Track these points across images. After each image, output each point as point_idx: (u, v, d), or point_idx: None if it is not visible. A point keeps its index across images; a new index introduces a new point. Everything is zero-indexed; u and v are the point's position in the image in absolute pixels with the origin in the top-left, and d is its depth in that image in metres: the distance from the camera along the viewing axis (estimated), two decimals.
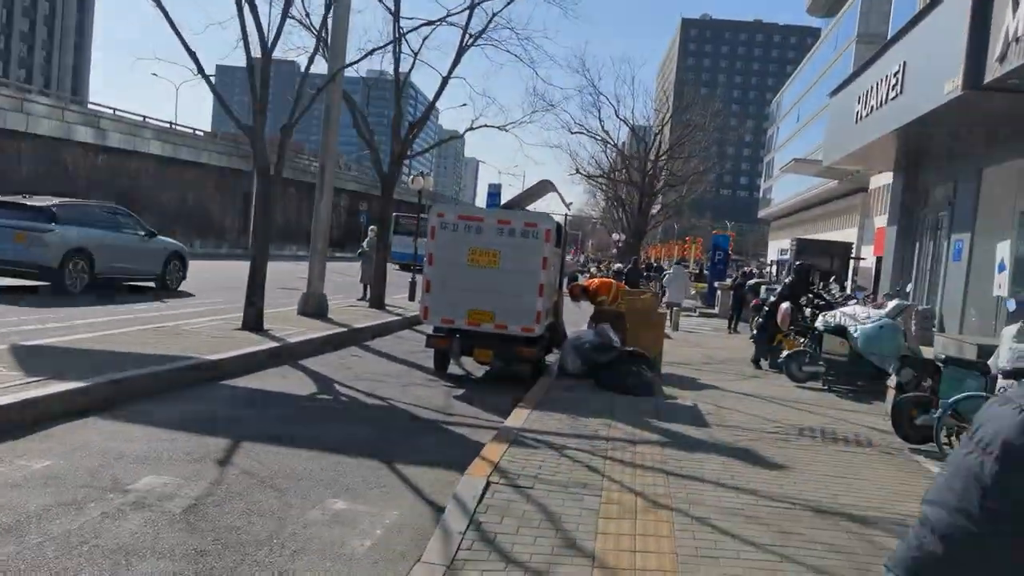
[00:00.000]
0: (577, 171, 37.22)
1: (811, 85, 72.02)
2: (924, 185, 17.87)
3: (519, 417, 7.41)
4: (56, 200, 15.23)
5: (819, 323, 10.78)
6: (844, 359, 10.46)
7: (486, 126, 22.09)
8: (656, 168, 35.79)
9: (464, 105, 20.67)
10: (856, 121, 17.69)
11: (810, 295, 12.09)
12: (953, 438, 6.68)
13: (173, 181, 41.34)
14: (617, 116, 35.89)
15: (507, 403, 8.32)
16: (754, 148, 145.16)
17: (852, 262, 29.88)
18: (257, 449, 6.11)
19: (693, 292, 36.03)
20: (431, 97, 17.65)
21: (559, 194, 10.91)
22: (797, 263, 12.46)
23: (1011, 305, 9.92)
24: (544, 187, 10.41)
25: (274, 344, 10.55)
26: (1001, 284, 13.50)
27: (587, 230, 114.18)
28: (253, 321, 11.40)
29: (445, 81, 16.74)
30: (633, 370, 9.22)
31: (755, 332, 12.29)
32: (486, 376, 10.81)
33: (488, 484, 5.23)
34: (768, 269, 52.24)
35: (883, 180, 47.08)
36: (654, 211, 43.26)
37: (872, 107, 16.49)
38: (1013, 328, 7.27)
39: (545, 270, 9.65)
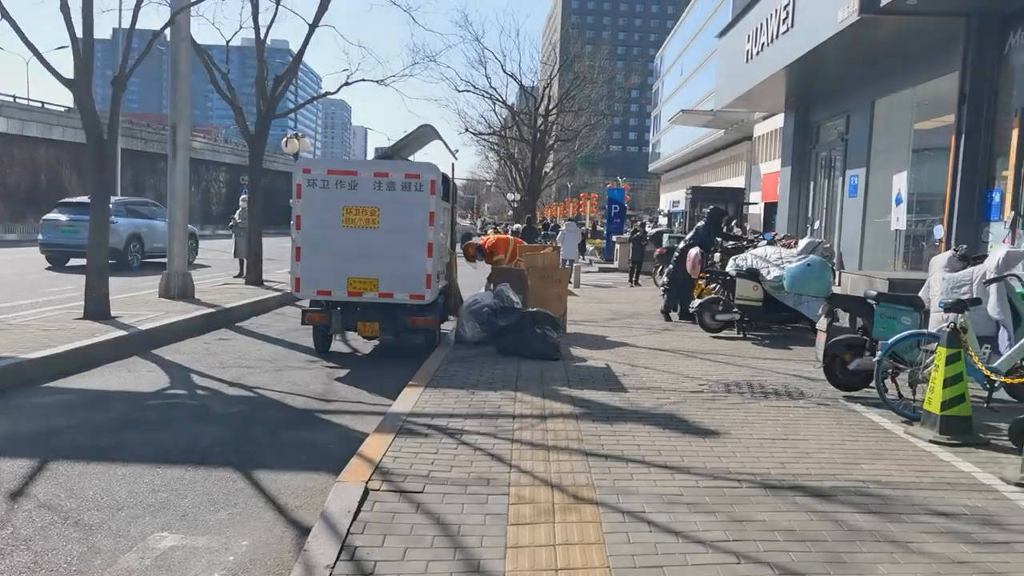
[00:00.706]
0: (467, 130, 35.94)
1: (693, 36, 72.76)
2: (816, 123, 17.62)
3: (409, 399, 6.30)
4: (116, 198, 20.27)
5: (730, 267, 10.11)
6: (758, 304, 9.84)
7: (363, 80, 20.26)
8: (547, 123, 34.89)
9: (346, 71, 18.72)
10: (747, 60, 17.18)
11: (720, 239, 11.44)
12: (889, 381, 6.02)
13: (22, 160, 37.49)
14: (504, 71, 34.86)
15: (398, 382, 7.19)
16: (641, 104, 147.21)
17: (744, 207, 30.00)
18: (69, 471, 4.78)
19: (591, 248, 35.68)
20: (307, 53, 15.95)
21: (443, 141, 9.71)
22: (710, 207, 11.79)
23: (938, 232, 9.51)
24: (425, 133, 9.19)
25: (120, 333, 9.00)
26: (899, 217, 13.28)
27: (482, 193, 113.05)
28: (96, 309, 9.77)
29: (312, 29, 15.11)
30: (537, 332, 8.25)
31: (666, 283, 11.57)
32: (375, 352, 9.63)
33: (367, 492, 4.13)
34: (662, 220, 52.71)
35: (767, 127, 47.98)
36: (547, 169, 42.57)
37: (763, 44, 15.97)
38: (942, 258, 6.67)
39: (432, 227, 8.49)
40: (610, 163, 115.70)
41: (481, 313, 8.75)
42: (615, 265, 28.66)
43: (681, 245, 11.27)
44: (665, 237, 16.63)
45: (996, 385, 5.59)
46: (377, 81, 17.25)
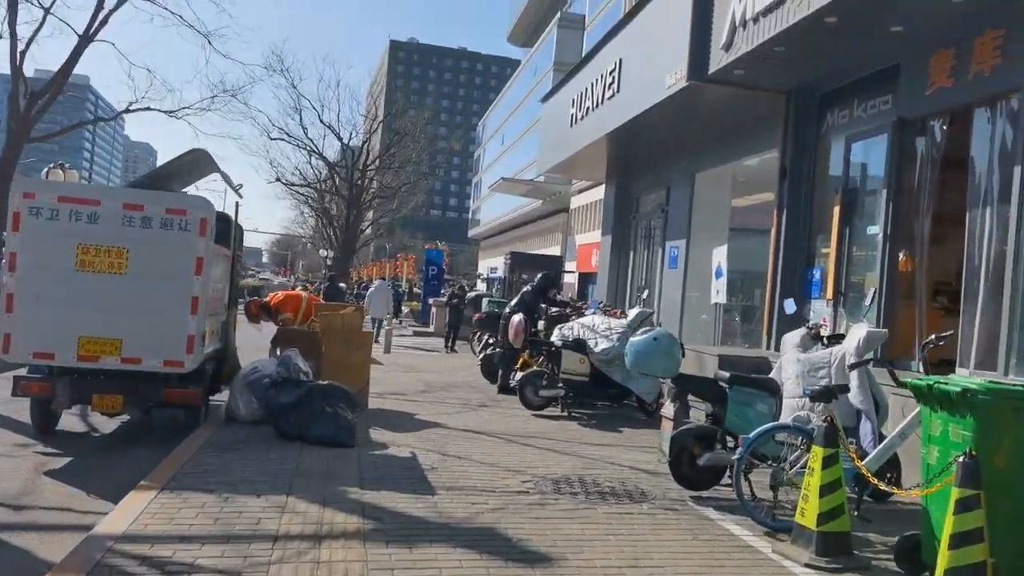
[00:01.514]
0: (278, 179, 33.64)
1: (514, 109, 74.84)
2: (637, 193, 17.54)
3: (129, 510, 4.51)
4: None
5: (556, 337, 9.09)
6: (585, 379, 8.85)
7: (149, 109, 17.35)
8: (364, 179, 33.45)
9: (132, 101, 15.96)
10: (571, 124, 16.86)
11: (545, 305, 10.43)
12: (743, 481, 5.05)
13: None
14: (321, 121, 32.98)
15: (137, 477, 5.34)
16: (462, 170, 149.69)
17: (562, 276, 29.96)
18: None
19: (406, 311, 34.25)
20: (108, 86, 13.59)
21: (223, 174, 7.94)
22: (541, 273, 10.83)
23: (790, 306, 9.02)
24: (199, 160, 7.39)
25: None
26: (719, 290, 13.07)
27: (297, 250, 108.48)
28: None
29: (85, 43, 12.87)
30: (328, 411, 6.66)
31: (498, 351, 10.37)
32: (120, 431, 7.58)
33: None
34: (480, 284, 52.39)
35: (584, 200, 49.50)
36: (365, 227, 41.00)
37: (588, 109, 15.67)
38: (795, 335, 5.94)
39: (200, 276, 6.75)
40: (430, 226, 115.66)
41: (259, 385, 7.03)
42: (431, 329, 27.36)
43: (506, 311, 10.17)
44: (485, 301, 15.61)
45: (868, 488, 4.76)
46: (166, 112, 15.07)
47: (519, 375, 8.80)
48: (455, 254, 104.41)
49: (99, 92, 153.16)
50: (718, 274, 13.03)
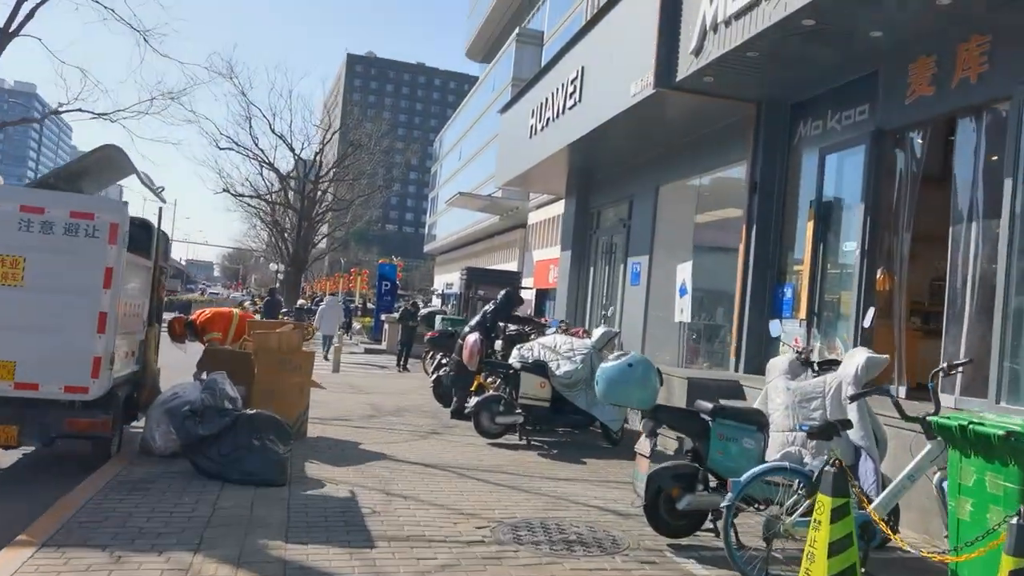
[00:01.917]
0: (225, 190, 32.39)
1: (471, 124, 74.46)
2: (597, 207, 17.00)
3: None
4: None
5: (514, 359, 8.38)
6: (545, 404, 8.16)
7: (80, 111, 15.98)
8: (316, 190, 32.45)
9: (77, 111, 14.76)
10: (531, 135, 16.27)
11: (503, 323, 9.70)
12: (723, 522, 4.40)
13: None
14: (272, 131, 31.91)
15: (27, 521, 4.48)
16: (419, 186, 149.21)
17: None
18: None
19: (359, 327, 33.27)
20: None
21: (140, 174, 7.04)
22: (506, 289, 10.04)
23: (775, 329, 8.46)
24: (112, 157, 6.50)
25: None
26: (683, 309, 12.52)
27: (250, 264, 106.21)
28: None
29: (6, 37, 11.86)
30: (255, 445, 5.85)
31: (449, 373, 9.54)
32: (21, 464, 6.64)
33: None
34: (436, 300, 51.54)
35: (542, 215, 49.10)
36: (318, 240, 39.89)
37: (548, 119, 15.10)
38: (782, 361, 5.33)
39: (109, 289, 5.90)
40: (386, 241, 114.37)
41: (178, 414, 6.18)
42: (383, 346, 26.47)
43: (465, 329, 9.42)
44: (438, 319, 14.79)
45: (876, 540, 4.15)
46: (99, 115, 14.05)
47: (474, 400, 8.05)
48: (411, 269, 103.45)
49: (45, 100, 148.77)
50: (682, 292, 12.49)
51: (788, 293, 9.80)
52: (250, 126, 31.81)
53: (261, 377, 7.00)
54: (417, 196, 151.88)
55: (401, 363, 19.45)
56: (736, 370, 10.18)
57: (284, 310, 30.98)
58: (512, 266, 51.28)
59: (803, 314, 9.20)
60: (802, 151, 9.94)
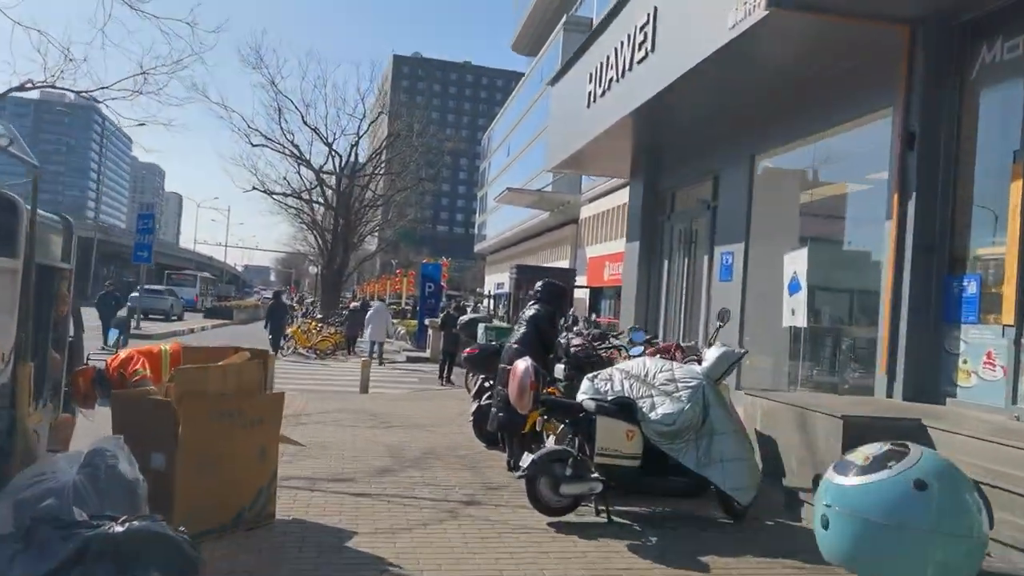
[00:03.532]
0: (254, 188, 30.38)
1: (519, 119, 72.17)
2: (670, 187, 14.16)
3: None
4: None
5: (585, 394, 5.66)
6: (634, 463, 5.43)
7: (53, 87, 12.83)
8: (353, 184, 30.19)
9: (50, 87, 12.19)
10: (588, 104, 13.52)
11: (568, 339, 6.94)
12: None
13: None
14: (305, 123, 29.74)
15: None
16: (468, 185, 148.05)
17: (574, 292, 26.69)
18: None
19: (403, 331, 30.93)
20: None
21: (19, 153, 4.70)
22: (542, 283, 7.20)
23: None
24: None
25: None
26: (796, 310, 9.61)
27: (302, 268, 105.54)
28: None
29: None
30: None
31: (496, 413, 6.61)
32: None
33: None
34: (484, 302, 49.15)
35: (594, 210, 46.30)
36: (359, 239, 37.79)
37: (610, 81, 12.34)
38: None
39: None
40: (436, 242, 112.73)
41: (25, 506, 3.64)
42: (427, 354, 24.02)
43: (508, 346, 6.70)
44: (481, 329, 12.04)
45: None
46: (79, 92, 11.79)
47: (528, 460, 5.34)
48: (462, 270, 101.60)
49: (106, 114, 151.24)
50: (794, 288, 9.59)
51: (971, 288, 6.88)
52: (280, 117, 29.67)
53: (190, 438, 4.42)
54: (467, 196, 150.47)
55: (443, 375, 16.94)
56: (889, 394, 7.31)
57: (318, 316, 28.90)
58: (564, 264, 48.60)
59: (1008, 318, 6.28)
60: (985, 85, 7.03)
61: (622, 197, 39.94)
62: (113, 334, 6.04)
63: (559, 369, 6.58)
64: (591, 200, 46.77)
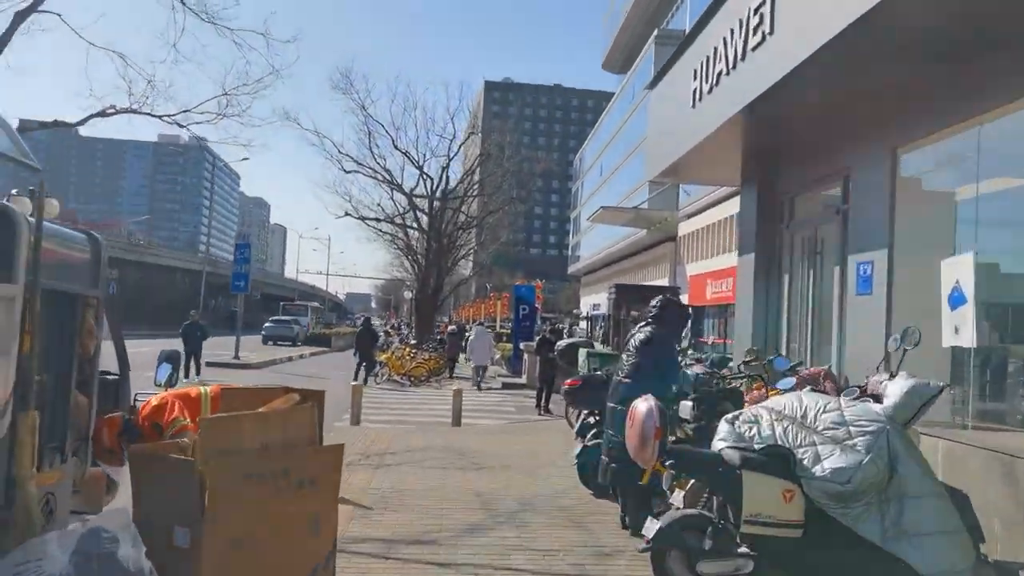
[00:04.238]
0: (346, 214, 30.28)
1: (612, 136, 71.03)
2: (789, 191, 12.63)
3: None
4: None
5: (725, 443, 4.39)
6: (795, 531, 4.12)
7: (137, 112, 12.63)
8: (444, 208, 29.66)
9: (131, 112, 11.81)
10: (693, 103, 12.23)
11: (702, 372, 5.66)
12: None
13: None
14: (396, 147, 29.48)
15: None
16: (561, 207, 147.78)
17: None
18: None
19: (497, 356, 30.01)
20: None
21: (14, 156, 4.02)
22: (659, 300, 5.97)
23: None
24: None
25: None
26: (960, 327, 7.98)
27: (401, 295, 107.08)
28: None
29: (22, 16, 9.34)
30: None
31: (608, 464, 5.32)
32: None
33: None
34: (582, 325, 47.86)
35: (694, 225, 44.42)
36: (452, 263, 37.31)
37: (719, 75, 11.04)
38: None
39: None
40: (530, 265, 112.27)
41: None
42: (523, 380, 22.97)
43: (617, 378, 5.48)
44: (582, 355, 10.72)
45: None
46: (159, 117, 11.44)
47: (654, 527, 4.11)
48: (556, 291, 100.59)
49: (217, 153, 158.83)
50: (956, 301, 7.97)
51: None
52: (370, 141, 29.46)
53: (220, 508, 3.44)
54: (559, 218, 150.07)
55: (541, 404, 15.82)
56: None
57: (412, 342, 28.38)
58: (663, 283, 46.81)
59: None
60: None
61: (724, 211, 38.05)
62: (164, 371, 5.16)
63: (685, 407, 5.32)
64: (690, 216, 44.93)
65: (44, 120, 11.00)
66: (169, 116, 11.74)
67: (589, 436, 7.29)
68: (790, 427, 4.31)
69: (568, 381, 7.72)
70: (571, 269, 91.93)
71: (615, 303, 22.85)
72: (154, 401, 4.21)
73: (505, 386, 22.69)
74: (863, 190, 10.06)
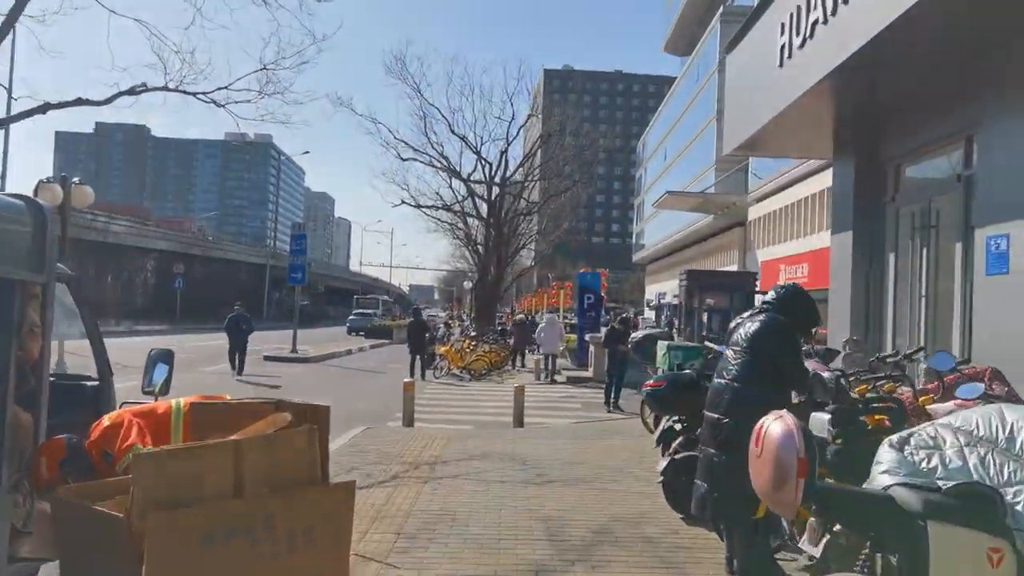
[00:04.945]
0: (403, 202, 29.45)
1: (676, 119, 68.94)
2: (893, 160, 11.06)
3: None
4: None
5: (893, 478, 3.12)
6: None
7: (168, 89, 11.50)
8: (503, 193, 28.56)
9: (164, 90, 10.88)
10: (781, 63, 10.77)
11: (840, 382, 4.31)
12: None
13: None
14: (453, 132, 28.50)
15: None
16: (623, 195, 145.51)
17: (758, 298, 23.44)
18: None
19: (562, 347, 28.78)
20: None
21: None
22: (780, 287, 4.66)
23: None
24: None
25: None
26: None
27: (462, 287, 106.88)
28: None
29: None
30: None
31: (708, 493, 4.08)
32: None
33: None
34: (648, 314, 46.30)
35: (766, 208, 42.29)
36: (515, 254, 36.28)
37: (814, 24, 9.57)
38: None
39: None
40: (592, 254, 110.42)
41: None
42: (589, 373, 21.71)
43: (723, 385, 4.14)
44: (662, 349, 9.26)
45: None
46: (194, 95, 10.59)
47: None
48: (620, 281, 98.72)
49: (281, 148, 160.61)
50: None
51: None
52: (425, 126, 28.49)
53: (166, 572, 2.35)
54: (622, 206, 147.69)
55: (610, 400, 14.57)
56: None
57: (472, 333, 27.39)
58: (733, 269, 44.83)
59: None
60: None
61: (799, 192, 35.99)
62: (161, 372, 4.16)
63: (818, 422, 3.99)
64: (760, 199, 42.87)
65: (65, 100, 10.24)
66: (205, 94, 10.90)
67: (675, 445, 6.04)
68: (989, 455, 3.02)
69: (650, 382, 6.49)
70: (635, 257, 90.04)
71: (687, 290, 21.40)
72: (106, 421, 3.15)
73: (570, 380, 21.49)
74: (992, 151, 8.48)
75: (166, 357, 4.39)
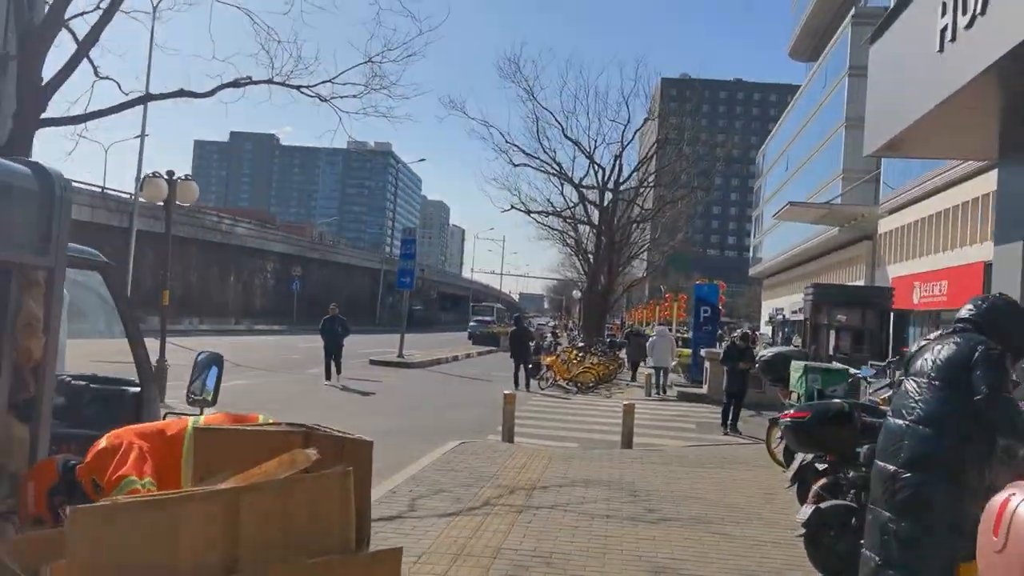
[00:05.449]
0: (512, 207, 28.89)
1: (801, 127, 65.78)
2: None
3: None
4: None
5: None
6: None
7: (272, 82, 10.88)
8: (616, 198, 27.53)
9: (268, 83, 10.57)
10: (940, 47, 9.39)
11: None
12: None
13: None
14: (566, 136, 27.73)
15: None
16: (741, 207, 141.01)
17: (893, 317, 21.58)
18: None
19: (674, 363, 27.42)
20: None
21: None
22: (982, 300, 3.63)
23: None
24: None
25: None
26: None
27: (572, 296, 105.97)
28: None
29: None
30: None
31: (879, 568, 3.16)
32: None
33: None
34: (764, 329, 44.01)
35: (898, 221, 39.31)
36: (628, 264, 35.12)
37: (985, 1, 8.20)
38: None
39: None
40: (707, 266, 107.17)
41: None
42: (703, 390, 20.37)
43: (901, 427, 3.09)
44: (797, 369, 7.94)
45: None
46: (298, 88, 10.27)
47: None
48: (735, 296, 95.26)
49: (400, 156, 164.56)
50: None
51: None
52: (537, 130, 27.86)
53: None
54: (739, 218, 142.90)
55: (727, 423, 13.34)
56: None
57: (580, 344, 26.51)
58: (859, 285, 41.93)
59: None
60: None
61: (938, 203, 33.15)
62: (213, 376, 3.58)
63: None
64: (892, 211, 39.90)
65: (167, 91, 10.12)
66: (309, 87, 10.58)
67: (817, 489, 4.98)
68: None
69: (791, 411, 5.45)
70: (752, 271, 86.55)
71: (813, 305, 19.75)
72: (104, 442, 2.50)
73: (681, 396, 20.22)
74: None
75: (216, 361, 3.79)
